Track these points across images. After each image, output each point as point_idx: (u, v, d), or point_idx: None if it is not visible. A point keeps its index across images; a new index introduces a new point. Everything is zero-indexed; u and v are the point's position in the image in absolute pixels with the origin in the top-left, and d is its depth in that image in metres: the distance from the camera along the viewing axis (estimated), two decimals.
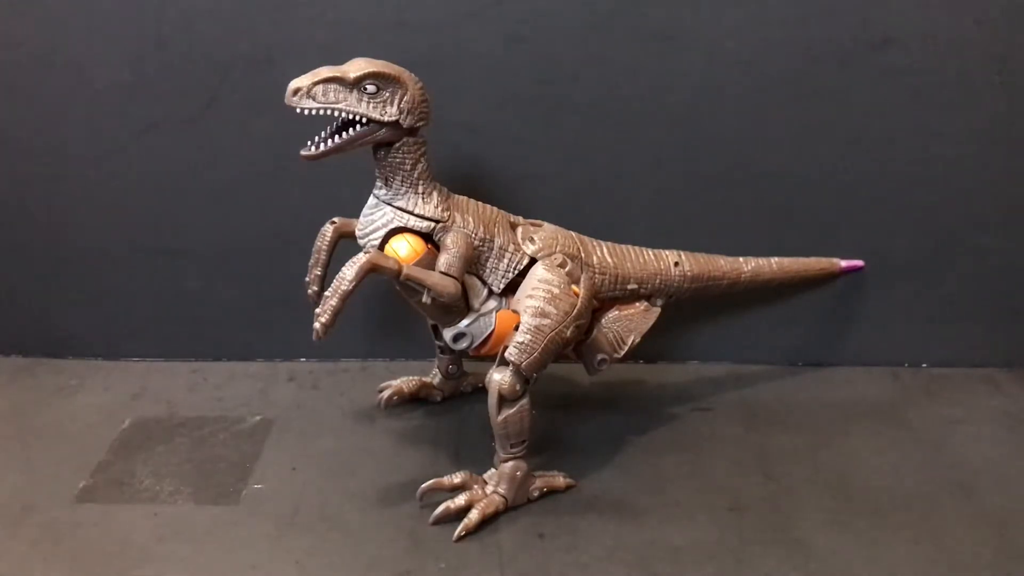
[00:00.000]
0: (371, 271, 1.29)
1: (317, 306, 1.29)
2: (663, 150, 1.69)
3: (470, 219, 1.40)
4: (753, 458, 1.54)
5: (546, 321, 1.36)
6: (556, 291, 1.39)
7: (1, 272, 1.82)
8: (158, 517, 1.40)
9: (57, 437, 1.61)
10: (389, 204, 1.39)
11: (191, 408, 1.69)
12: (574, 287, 1.42)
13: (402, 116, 1.33)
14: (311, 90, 1.29)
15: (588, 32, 1.62)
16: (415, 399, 1.70)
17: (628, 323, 1.51)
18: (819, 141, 1.68)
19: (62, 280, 1.81)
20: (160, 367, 1.84)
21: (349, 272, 1.28)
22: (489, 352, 1.43)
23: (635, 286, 1.52)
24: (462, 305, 1.40)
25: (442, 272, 1.36)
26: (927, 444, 1.58)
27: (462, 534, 1.35)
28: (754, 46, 1.62)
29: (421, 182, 1.38)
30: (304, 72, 1.31)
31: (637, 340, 1.51)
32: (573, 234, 1.50)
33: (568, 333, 1.39)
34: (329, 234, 1.52)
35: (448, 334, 1.44)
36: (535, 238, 1.45)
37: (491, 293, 1.43)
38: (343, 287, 1.28)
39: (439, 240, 1.38)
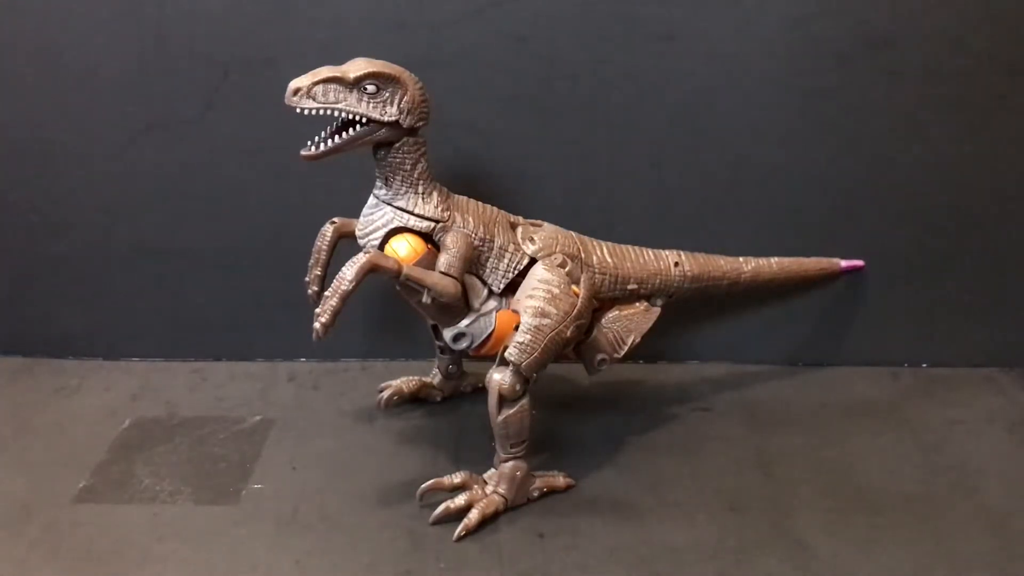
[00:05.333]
0: (371, 271, 1.29)
1: (317, 306, 1.29)
2: (663, 150, 1.69)
3: (470, 219, 1.40)
4: (753, 458, 1.54)
5: (546, 321, 1.36)
6: (556, 291, 1.38)
7: (1, 272, 1.82)
8: (158, 517, 1.40)
9: (57, 437, 1.61)
10: (389, 204, 1.39)
11: (191, 408, 1.69)
12: (574, 287, 1.42)
13: (402, 116, 1.33)
14: (311, 90, 1.29)
15: (588, 32, 1.62)
16: (415, 399, 1.70)
17: (628, 323, 1.51)
18: (819, 141, 1.68)
19: (62, 280, 1.81)
20: (160, 367, 1.84)
21: (349, 272, 1.28)
22: (489, 352, 1.43)
23: (635, 286, 1.52)
24: (462, 305, 1.40)
25: (442, 272, 1.36)
26: (927, 444, 1.58)
27: (462, 534, 1.35)
28: (754, 46, 1.62)
29: (421, 182, 1.38)
30: (304, 72, 1.31)
31: (637, 340, 1.51)
32: (573, 234, 1.50)
33: (568, 333, 1.38)
34: (329, 234, 1.52)
35: (448, 334, 1.44)
36: (535, 238, 1.45)
37: (491, 293, 1.43)
38: (343, 287, 1.28)
39: (439, 240, 1.38)
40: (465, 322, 1.42)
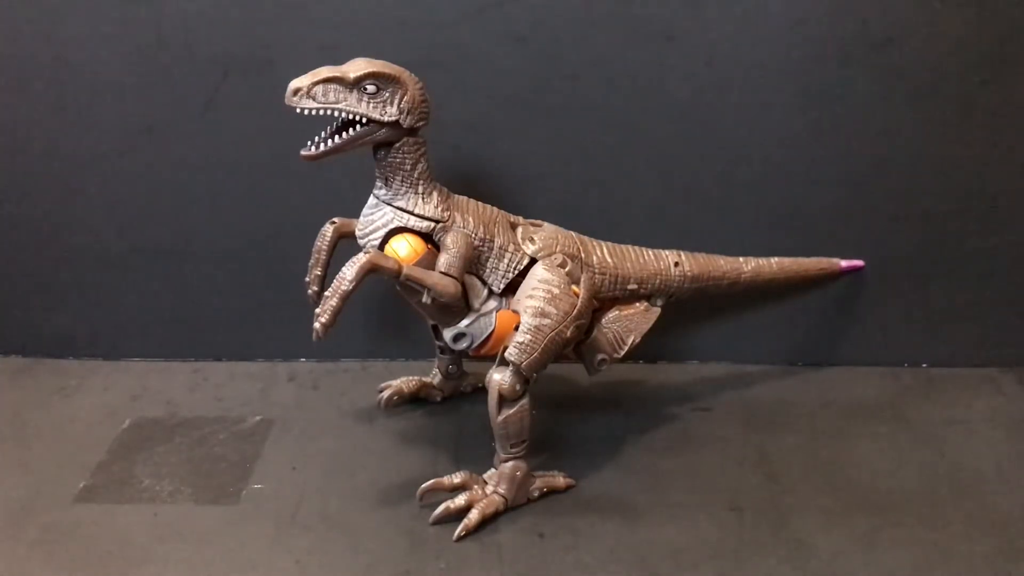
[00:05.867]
0: (371, 271, 1.29)
1: (317, 306, 1.30)
2: (663, 150, 1.69)
3: (470, 219, 1.40)
4: (753, 458, 1.54)
5: (546, 321, 1.36)
6: (556, 291, 1.38)
7: (1, 272, 1.82)
8: (158, 517, 1.40)
9: (57, 437, 1.61)
10: (389, 204, 1.39)
11: (191, 408, 1.69)
12: (574, 287, 1.42)
13: (402, 116, 1.33)
14: (311, 90, 1.29)
15: (588, 32, 1.62)
16: (415, 399, 1.70)
17: (628, 323, 1.51)
18: (819, 141, 1.68)
19: (62, 280, 1.81)
20: (160, 367, 1.84)
21: (349, 272, 1.28)
22: (489, 352, 1.43)
23: (635, 286, 1.52)
24: (462, 305, 1.40)
25: (442, 272, 1.36)
26: (927, 444, 1.58)
27: (462, 534, 1.35)
28: (754, 46, 1.62)
29: (421, 182, 1.38)
30: (304, 72, 1.31)
31: (637, 340, 1.51)
32: (573, 234, 1.50)
33: (568, 333, 1.38)
34: (329, 234, 1.52)
35: (448, 334, 1.44)
36: (535, 238, 1.45)
37: (491, 293, 1.43)
38: (343, 287, 1.28)
39: (439, 240, 1.38)
40: (465, 322, 1.42)
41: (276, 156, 1.68)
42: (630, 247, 1.55)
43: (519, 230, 1.46)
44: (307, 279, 1.54)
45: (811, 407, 1.69)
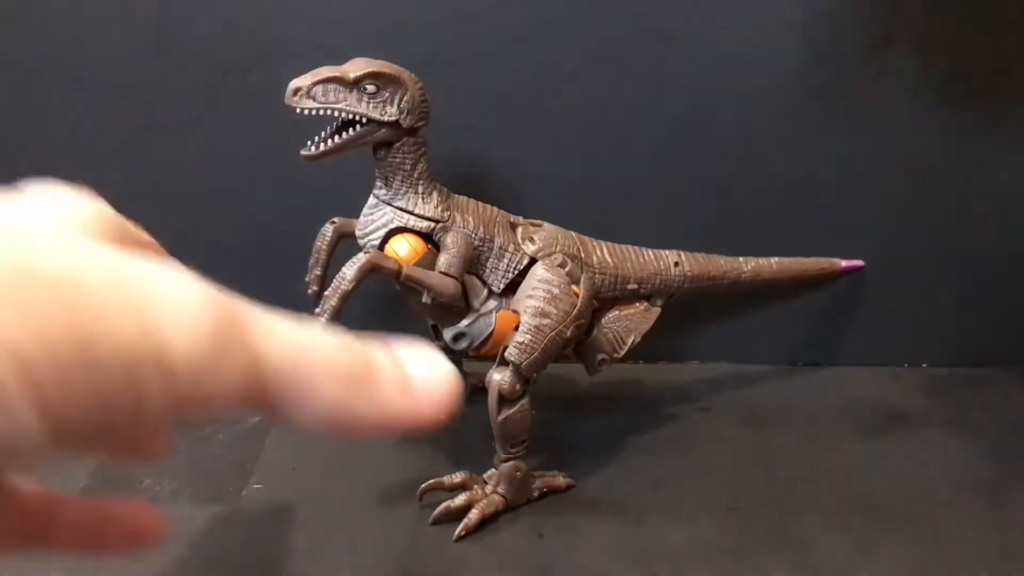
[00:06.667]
0: (371, 271, 1.29)
1: (317, 306, 1.30)
2: (663, 150, 1.69)
3: (470, 219, 1.40)
4: (753, 458, 1.54)
5: (546, 321, 1.36)
6: (556, 291, 1.38)
7: None
8: None
9: None
10: (389, 204, 1.39)
11: None
12: (574, 287, 1.41)
13: (402, 116, 1.33)
14: (311, 90, 1.29)
15: (588, 32, 1.62)
16: None
17: (628, 323, 1.51)
18: (819, 141, 1.67)
19: None
20: None
21: (349, 272, 1.28)
22: (489, 352, 1.43)
23: (635, 286, 1.52)
24: (462, 305, 1.40)
25: (442, 272, 1.36)
26: (927, 444, 1.58)
27: (462, 534, 1.35)
28: (754, 46, 1.62)
29: (421, 182, 1.38)
30: (304, 72, 1.31)
31: (637, 340, 1.51)
32: (573, 234, 1.50)
33: (568, 333, 1.38)
34: (329, 234, 1.51)
35: (448, 334, 1.44)
36: (535, 238, 1.45)
37: (491, 293, 1.43)
38: (343, 287, 1.28)
39: (439, 240, 1.38)
40: (465, 322, 1.42)
41: (276, 156, 1.68)
42: (630, 247, 1.55)
43: (519, 230, 1.46)
44: (307, 279, 1.54)
45: (811, 407, 1.69)
